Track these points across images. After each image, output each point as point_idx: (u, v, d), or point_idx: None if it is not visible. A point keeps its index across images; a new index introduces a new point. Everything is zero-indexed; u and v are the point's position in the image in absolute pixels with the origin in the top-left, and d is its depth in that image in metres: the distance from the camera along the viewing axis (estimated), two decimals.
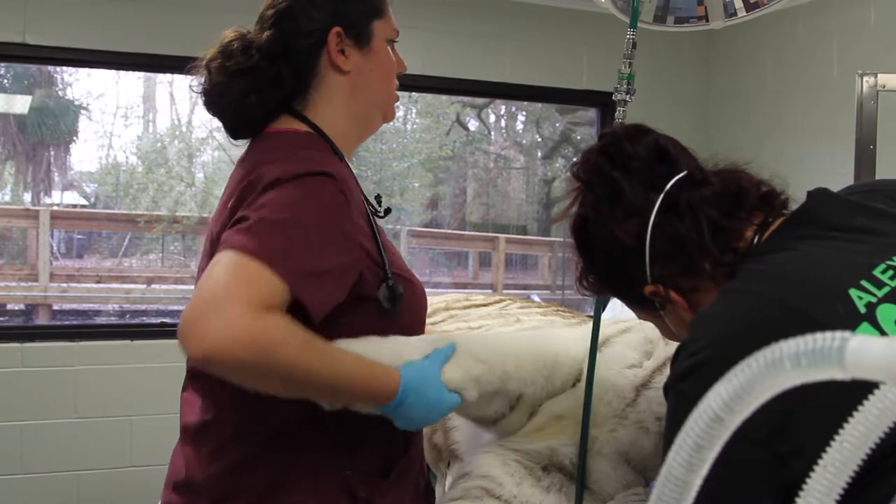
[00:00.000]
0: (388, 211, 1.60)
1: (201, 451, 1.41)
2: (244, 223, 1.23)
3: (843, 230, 1.07)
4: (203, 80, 1.47)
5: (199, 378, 1.44)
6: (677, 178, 1.17)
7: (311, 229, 1.25)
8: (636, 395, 1.49)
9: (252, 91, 1.44)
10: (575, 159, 1.29)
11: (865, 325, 0.94)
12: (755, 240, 1.13)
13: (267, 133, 1.47)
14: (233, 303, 1.12)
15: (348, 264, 1.31)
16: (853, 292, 0.97)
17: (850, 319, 0.95)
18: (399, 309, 1.40)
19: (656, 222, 1.15)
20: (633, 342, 1.58)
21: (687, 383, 0.98)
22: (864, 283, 0.98)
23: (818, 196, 1.14)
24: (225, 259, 1.18)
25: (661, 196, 1.16)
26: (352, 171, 1.49)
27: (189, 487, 1.41)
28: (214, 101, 1.47)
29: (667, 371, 1.48)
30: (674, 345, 1.53)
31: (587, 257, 1.27)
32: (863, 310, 0.96)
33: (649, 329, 1.56)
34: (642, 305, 1.26)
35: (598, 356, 1.53)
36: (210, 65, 1.46)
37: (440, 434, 1.77)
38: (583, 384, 1.51)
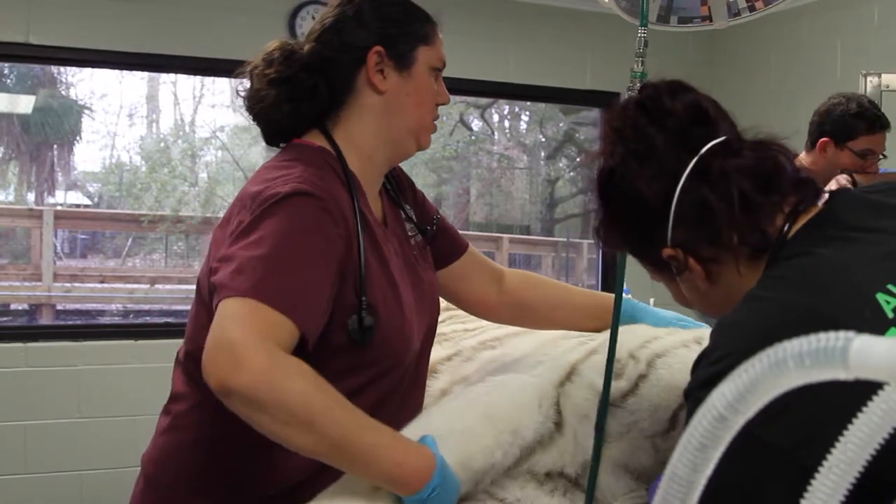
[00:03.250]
0: (424, 232, 1.61)
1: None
2: (232, 264, 1.24)
3: (867, 231, 1.04)
4: (247, 85, 1.50)
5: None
6: (713, 143, 1.13)
7: (293, 256, 1.26)
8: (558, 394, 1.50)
9: (286, 100, 1.46)
10: (609, 108, 1.24)
11: (893, 329, 0.92)
12: (784, 227, 1.09)
13: (290, 144, 1.50)
14: (247, 340, 1.15)
15: (329, 277, 1.31)
16: (880, 297, 0.94)
17: (877, 324, 0.92)
18: (369, 343, 1.37)
19: (685, 186, 1.10)
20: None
21: (707, 391, 0.96)
22: (890, 286, 0.95)
23: (842, 196, 1.11)
24: (230, 305, 1.20)
25: (695, 159, 1.11)
26: (363, 193, 1.47)
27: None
28: (252, 106, 1.50)
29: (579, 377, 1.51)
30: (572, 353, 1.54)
31: (608, 209, 1.22)
32: (890, 314, 0.93)
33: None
34: (657, 267, 1.21)
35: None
36: (253, 71, 1.49)
37: None
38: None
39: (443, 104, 1.56)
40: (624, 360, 1.52)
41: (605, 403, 1.46)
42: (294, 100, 1.46)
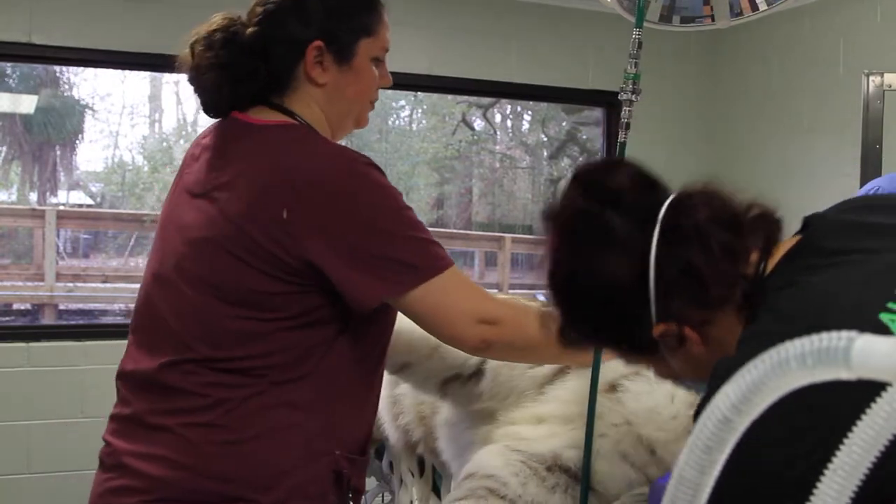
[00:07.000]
0: None
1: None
2: (410, 246, 1.42)
3: (851, 253, 1.01)
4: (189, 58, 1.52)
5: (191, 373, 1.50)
6: (667, 203, 1.08)
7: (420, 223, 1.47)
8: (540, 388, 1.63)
9: (226, 83, 1.49)
10: (547, 206, 1.19)
11: None
12: (761, 266, 1.05)
13: (278, 124, 1.49)
14: (487, 304, 1.46)
15: None
16: (884, 316, 0.91)
17: None
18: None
19: (659, 255, 1.05)
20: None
21: None
22: (890, 304, 0.92)
23: (816, 222, 1.08)
24: (441, 283, 1.43)
25: (658, 226, 1.06)
26: None
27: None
28: (193, 81, 1.53)
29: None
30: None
31: (576, 311, 1.15)
32: None
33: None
34: (640, 350, 1.15)
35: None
36: (194, 47, 1.51)
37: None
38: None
39: (385, 87, 1.59)
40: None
41: (594, 398, 1.48)
42: (233, 82, 1.49)
